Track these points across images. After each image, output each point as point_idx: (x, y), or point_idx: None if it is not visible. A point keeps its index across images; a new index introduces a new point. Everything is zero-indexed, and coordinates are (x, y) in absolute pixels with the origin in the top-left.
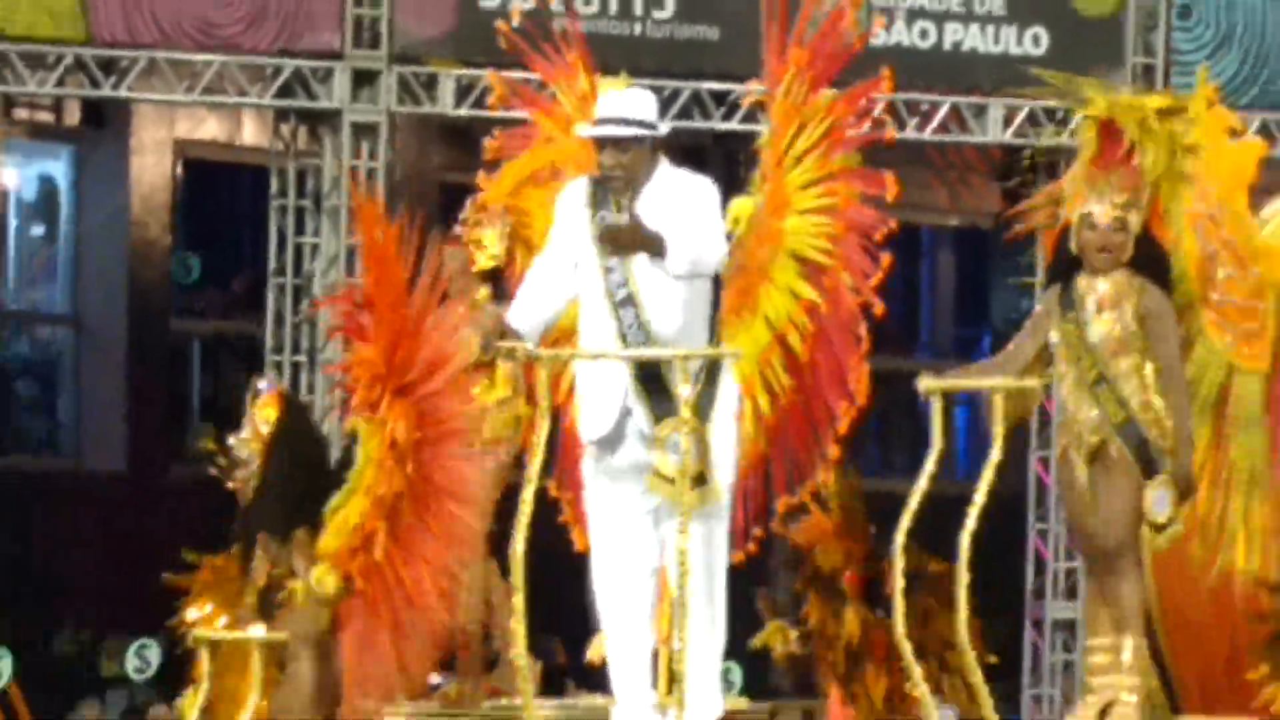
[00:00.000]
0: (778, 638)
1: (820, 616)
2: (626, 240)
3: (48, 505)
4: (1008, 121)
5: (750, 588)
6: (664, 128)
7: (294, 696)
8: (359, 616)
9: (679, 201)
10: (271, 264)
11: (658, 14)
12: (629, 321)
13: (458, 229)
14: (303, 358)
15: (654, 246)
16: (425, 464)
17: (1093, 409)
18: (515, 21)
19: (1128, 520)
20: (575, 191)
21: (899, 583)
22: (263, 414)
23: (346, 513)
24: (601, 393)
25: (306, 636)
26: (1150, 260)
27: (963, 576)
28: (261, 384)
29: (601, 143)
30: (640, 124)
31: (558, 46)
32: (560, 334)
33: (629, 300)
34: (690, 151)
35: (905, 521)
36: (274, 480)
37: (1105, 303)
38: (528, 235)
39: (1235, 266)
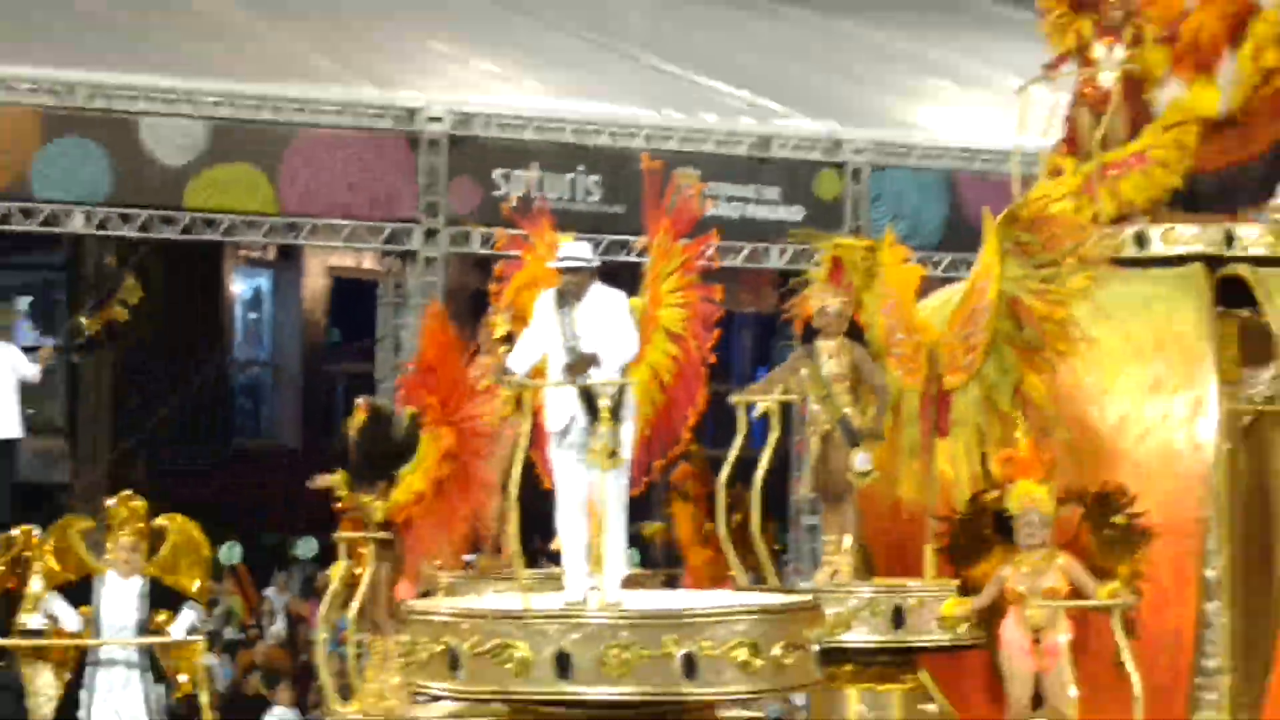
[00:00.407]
0: (657, 533)
1: (681, 521)
2: (580, 370)
3: (255, 465)
4: (781, 255)
5: (641, 510)
6: (595, 262)
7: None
8: (417, 538)
9: (606, 308)
10: (379, 334)
11: (590, 199)
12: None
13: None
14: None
15: (595, 364)
16: (463, 461)
17: (824, 411)
18: (513, 203)
19: (843, 472)
20: (547, 296)
21: (722, 503)
22: (357, 417)
23: (411, 480)
24: (560, 403)
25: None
26: (855, 331)
27: (757, 500)
28: (360, 400)
29: (561, 270)
30: (582, 260)
31: (535, 216)
32: (537, 371)
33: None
34: (610, 274)
35: (726, 470)
36: (362, 455)
37: (831, 354)
38: (521, 318)
39: (905, 334)
